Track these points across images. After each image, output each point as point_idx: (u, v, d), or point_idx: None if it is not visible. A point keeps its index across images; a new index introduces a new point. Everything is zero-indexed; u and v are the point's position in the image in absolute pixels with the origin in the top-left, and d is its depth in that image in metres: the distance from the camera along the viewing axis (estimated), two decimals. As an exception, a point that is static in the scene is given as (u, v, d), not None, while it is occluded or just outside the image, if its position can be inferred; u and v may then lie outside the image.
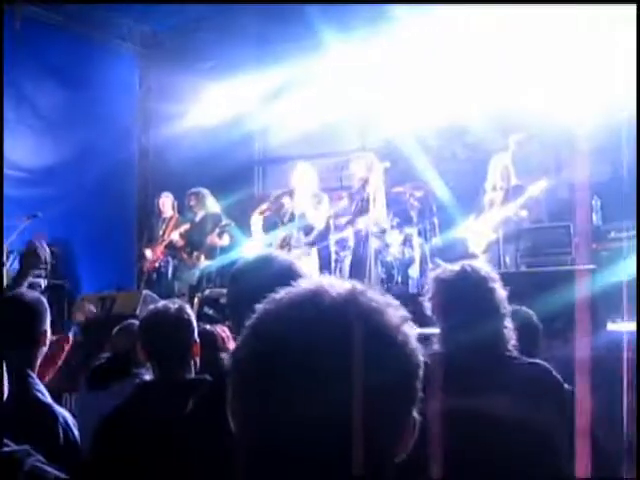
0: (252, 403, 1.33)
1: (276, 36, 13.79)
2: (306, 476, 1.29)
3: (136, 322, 5.04)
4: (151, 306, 4.15)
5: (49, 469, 2.19)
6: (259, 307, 1.43)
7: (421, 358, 1.38)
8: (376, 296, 1.39)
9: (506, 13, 12.09)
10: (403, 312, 1.39)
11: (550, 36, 12.27)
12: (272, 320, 1.37)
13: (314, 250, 10.57)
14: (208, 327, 4.86)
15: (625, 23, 10.85)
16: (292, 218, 10.67)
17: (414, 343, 1.38)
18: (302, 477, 1.29)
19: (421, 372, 1.37)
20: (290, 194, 10.81)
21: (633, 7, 8.07)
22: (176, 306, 3.94)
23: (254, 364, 1.34)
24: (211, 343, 4.61)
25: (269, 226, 11.66)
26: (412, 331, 1.38)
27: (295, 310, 1.35)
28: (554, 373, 3.56)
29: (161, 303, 3.96)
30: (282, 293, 1.42)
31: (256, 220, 10.97)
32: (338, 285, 1.40)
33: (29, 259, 4.09)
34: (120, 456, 3.48)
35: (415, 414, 1.37)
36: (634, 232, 9.19)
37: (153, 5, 13.34)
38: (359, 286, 1.41)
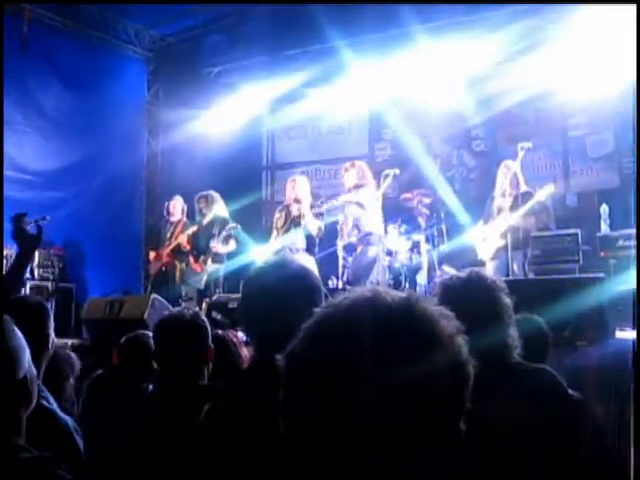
0: (306, 403, 1.35)
1: (285, 42, 13.78)
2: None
3: (147, 333, 5.02)
4: (166, 312, 4.15)
5: (69, 476, 2.20)
6: (317, 311, 1.44)
7: (471, 370, 1.39)
8: (430, 306, 1.40)
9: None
10: (456, 323, 1.40)
11: (559, 44, 12.32)
12: (330, 324, 1.39)
13: (310, 257, 10.55)
14: (220, 332, 4.85)
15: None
16: (293, 226, 10.67)
17: (466, 354, 1.39)
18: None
19: (471, 383, 1.38)
20: (298, 201, 10.81)
21: (633, 7, 8.08)
22: (191, 312, 3.94)
23: (310, 361, 1.36)
24: (223, 348, 4.60)
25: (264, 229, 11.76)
26: (464, 342, 1.39)
27: (352, 315, 1.37)
28: (558, 379, 3.56)
29: (176, 309, 3.96)
30: (340, 298, 1.43)
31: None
32: (394, 293, 1.41)
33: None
34: (142, 466, 3.48)
35: (462, 425, 1.38)
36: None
37: (162, 10, 13.34)
38: (414, 295, 1.42)
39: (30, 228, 4.06)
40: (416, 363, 1.30)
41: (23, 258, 4.05)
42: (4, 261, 7.60)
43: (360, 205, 10.57)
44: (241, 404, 2.71)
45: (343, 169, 11.13)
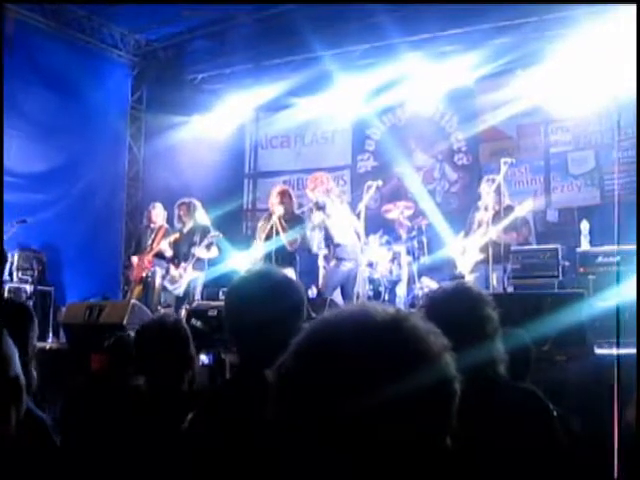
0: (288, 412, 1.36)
1: (270, 51, 13.80)
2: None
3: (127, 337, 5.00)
4: (145, 318, 4.14)
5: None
6: (305, 326, 1.44)
7: (458, 386, 1.39)
8: (419, 322, 1.40)
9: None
10: (444, 340, 1.40)
11: (543, 62, 12.41)
12: (319, 340, 1.39)
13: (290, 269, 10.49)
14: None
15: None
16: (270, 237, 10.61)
17: (453, 371, 1.39)
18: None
19: (457, 400, 1.38)
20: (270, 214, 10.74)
21: (633, 7, 8.14)
22: (172, 318, 3.94)
23: (299, 377, 1.36)
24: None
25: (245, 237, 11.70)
26: (452, 360, 1.39)
27: (342, 332, 1.37)
28: (541, 397, 3.56)
29: (157, 315, 3.95)
30: (330, 313, 1.44)
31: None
32: (383, 310, 1.41)
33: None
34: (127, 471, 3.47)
35: (448, 440, 1.38)
36: (620, 258, 9.24)
37: (147, 15, 13.31)
38: (403, 312, 1.42)
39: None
40: (404, 380, 1.31)
41: None
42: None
43: (326, 214, 10.51)
44: (226, 415, 2.71)
45: (307, 182, 11.06)
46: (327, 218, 10.46)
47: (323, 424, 1.31)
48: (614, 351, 6.94)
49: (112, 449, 3.64)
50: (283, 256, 10.21)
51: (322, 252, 10.85)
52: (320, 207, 10.49)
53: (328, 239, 10.59)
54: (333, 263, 10.58)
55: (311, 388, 1.34)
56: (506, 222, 10.14)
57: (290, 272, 9.89)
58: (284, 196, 10.63)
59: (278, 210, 10.42)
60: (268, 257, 10.23)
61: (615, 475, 4.67)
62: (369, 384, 1.30)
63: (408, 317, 1.41)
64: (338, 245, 10.47)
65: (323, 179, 10.76)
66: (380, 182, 11.02)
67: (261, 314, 2.76)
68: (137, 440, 3.49)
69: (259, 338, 2.74)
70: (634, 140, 11.39)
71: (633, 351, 6.49)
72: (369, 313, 1.40)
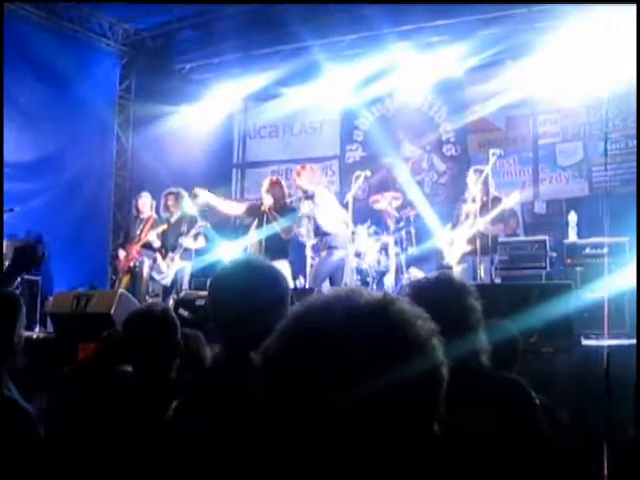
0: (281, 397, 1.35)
1: (258, 41, 13.78)
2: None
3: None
4: (133, 307, 4.13)
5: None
6: (292, 309, 1.44)
7: (445, 371, 1.38)
8: (406, 307, 1.39)
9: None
10: (432, 324, 1.40)
11: (533, 53, 12.42)
12: (304, 324, 1.38)
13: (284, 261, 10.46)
14: (188, 330, 4.83)
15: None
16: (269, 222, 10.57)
17: (441, 356, 1.38)
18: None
19: (445, 385, 1.37)
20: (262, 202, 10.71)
21: (633, 7, 8.15)
22: (160, 307, 3.94)
23: (285, 362, 1.35)
24: (192, 345, 4.59)
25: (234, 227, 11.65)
26: (440, 344, 1.38)
27: (327, 315, 1.36)
28: (524, 387, 3.57)
29: (145, 304, 3.96)
30: (315, 298, 1.43)
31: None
32: (369, 294, 1.40)
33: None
34: (113, 460, 3.46)
35: (436, 427, 1.37)
36: (607, 249, 9.27)
37: (136, 4, 13.26)
38: (390, 296, 1.41)
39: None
40: (391, 364, 1.29)
41: (16, 272, 4.10)
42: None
43: (314, 204, 10.50)
44: (212, 401, 2.71)
45: (295, 172, 10.93)
46: (316, 207, 10.45)
47: (307, 410, 1.30)
48: (603, 342, 6.99)
49: (100, 438, 3.63)
50: (274, 246, 10.18)
51: (310, 242, 10.85)
52: (309, 196, 10.49)
53: (317, 229, 10.58)
54: (324, 253, 10.58)
55: (296, 372, 1.33)
56: (494, 214, 10.15)
57: (283, 263, 9.90)
58: (274, 186, 10.59)
59: (268, 200, 10.38)
60: (258, 246, 10.21)
61: (605, 466, 4.70)
62: (355, 368, 1.29)
63: (395, 301, 1.40)
64: (328, 234, 10.47)
65: (311, 168, 10.76)
66: (368, 172, 11.03)
67: (245, 303, 2.77)
68: (125, 429, 3.49)
69: (243, 327, 2.75)
70: (623, 132, 11.44)
71: (621, 342, 6.53)
72: (356, 297, 1.39)
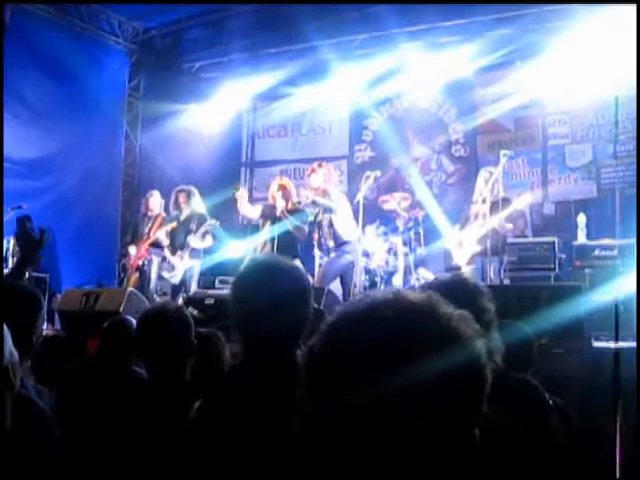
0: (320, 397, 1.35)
1: (267, 40, 13.78)
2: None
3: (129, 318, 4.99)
4: (143, 305, 4.13)
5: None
6: (338, 309, 1.43)
7: (488, 374, 1.37)
8: (450, 308, 1.39)
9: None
10: (476, 326, 1.40)
11: (542, 54, 12.40)
12: (352, 321, 1.38)
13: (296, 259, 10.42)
14: (204, 330, 4.83)
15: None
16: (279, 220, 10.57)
17: (485, 357, 1.37)
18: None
19: (487, 388, 1.37)
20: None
21: (633, 7, 8.14)
22: (174, 306, 3.93)
23: (333, 360, 1.35)
24: (209, 346, 4.59)
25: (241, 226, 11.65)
26: (483, 346, 1.38)
27: (375, 313, 1.36)
28: (538, 388, 3.57)
29: (159, 302, 3.95)
30: (360, 297, 1.43)
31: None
32: (415, 294, 1.41)
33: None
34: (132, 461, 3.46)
35: (477, 431, 1.36)
36: (617, 251, 9.26)
37: (145, 2, 13.28)
38: (435, 296, 1.41)
39: (33, 228, 4.04)
40: (439, 361, 1.29)
41: (24, 263, 4.05)
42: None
43: (329, 210, 10.49)
44: (238, 400, 2.71)
45: (310, 169, 10.91)
46: (333, 214, 10.42)
47: (354, 406, 1.30)
48: (612, 344, 6.98)
49: (114, 440, 3.62)
50: (286, 245, 10.18)
51: (330, 243, 10.80)
52: (326, 209, 10.45)
53: (336, 238, 10.51)
54: (334, 254, 10.56)
55: (344, 368, 1.32)
56: (504, 214, 10.14)
57: (296, 262, 9.90)
58: (284, 189, 10.59)
59: (280, 203, 10.39)
60: (270, 245, 10.20)
61: (617, 467, 4.69)
62: (402, 364, 1.29)
63: (440, 301, 1.40)
64: (346, 242, 10.42)
65: (328, 169, 10.75)
66: (379, 173, 11.02)
67: (268, 302, 2.79)
68: (141, 431, 3.47)
69: (266, 325, 2.76)
70: (632, 134, 11.42)
71: (631, 344, 6.51)
72: (402, 295, 1.39)
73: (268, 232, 10.36)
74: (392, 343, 1.31)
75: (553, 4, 11.73)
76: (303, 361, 1.41)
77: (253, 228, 11.36)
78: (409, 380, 1.27)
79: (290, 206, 10.42)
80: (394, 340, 1.31)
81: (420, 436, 1.29)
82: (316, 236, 10.76)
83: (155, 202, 12.28)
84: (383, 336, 1.32)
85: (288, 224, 10.19)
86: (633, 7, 10.40)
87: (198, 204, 11.53)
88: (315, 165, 10.85)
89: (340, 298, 9.72)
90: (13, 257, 11.61)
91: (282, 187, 10.59)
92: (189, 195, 11.58)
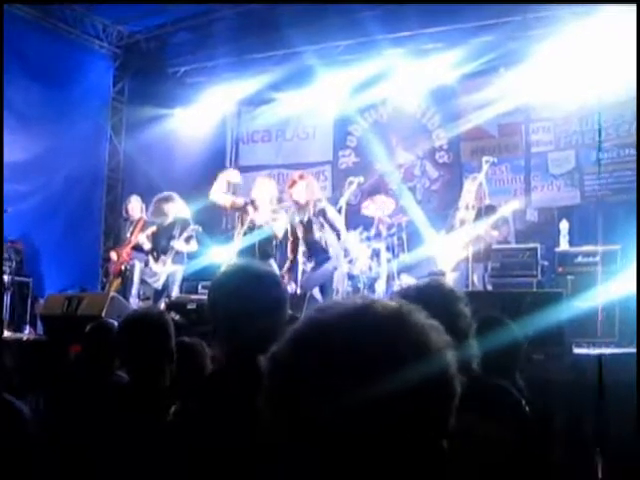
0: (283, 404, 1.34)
1: (252, 45, 13.79)
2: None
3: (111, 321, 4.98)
4: (125, 310, 4.12)
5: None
6: (306, 314, 1.42)
7: (458, 386, 1.36)
8: (422, 317, 1.39)
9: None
10: (446, 337, 1.39)
11: (525, 61, 12.46)
12: (318, 329, 1.36)
13: (272, 262, 10.39)
14: (186, 339, 4.83)
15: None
16: (252, 228, 10.53)
17: (454, 369, 1.36)
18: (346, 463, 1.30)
19: (456, 400, 1.36)
20: (253, 204, 10.66)
21: (633, 7, 8.19)
22: (157, 310, 3.93)
23: (291, 367, 1.34)
24: (191, 354, 4.59)
25: (225, 232, 11.60)
26: (453, 357, 1.37)
27: (342, 322, 1.34)
28: (513, 393, 3.58)
29: (141, 308, 3.94)
30: (329, 304, 1.41)
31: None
32: (385, 303, 1.39)
33: None
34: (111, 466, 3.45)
35: (445, 443, 1.35)
36: (600, 258, 9.30)
37: (130, 6, 13.26)
38: (406, 306, 1.40)
39: None
40: (403, 373, 1.27)
41: None
42: None
43: (335, 230, 10.33)
44: (215, 404, 2.71)
45: (290, 181, 10.54)
46: (322, 230, 10.26)
47: (316, 415, 1.29)
48: (593, 351, 7.02)
49: (97, 443, 3.61)
50: (265, 250, 10.19)
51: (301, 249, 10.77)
52: (319, 212, 10.29)
53: (319, 250, 10.38)
54: (313, 263, 10.47)
55: (306, 376, 1.31)
56: (489, 221, 10.17)
57: (271, 262, 9.91)
58: (268, 188, 10.61)
59: (266, 202, 10.39)
60: (250, 250, 10.18)
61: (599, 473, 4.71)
62: (367, 375, 1.27)
63: (411, 311, 1.39)
64: (322, 250, 10.30)
65: (309, 182, 10.52)
66: (362, 178, 11.03)
67: (244, 307, 2.81)
68: (122, 435, 3.47)
69: (242, 331, 2.77)
70: (616, 141, 11.49)
71: (613, 351, 6.55)
72: (371, 305, 1.38)
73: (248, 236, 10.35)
74: (358, 354, 1.29)
75: (542, 3, 11.76)
76: (266, 368, 1.41)
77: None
78: (374, 391, 1.26)
79: (266, 213, 10.41)
80: (360, 351, 1.30)
81: (383, 449, 1.28)
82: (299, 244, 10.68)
83: (134, 207, 12.25)
84: (349, 346, 1.30)
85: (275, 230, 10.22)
86: (619, 14, 10.51)
87: (181, 208, 11.49)
88: (296, 176, 10.61)
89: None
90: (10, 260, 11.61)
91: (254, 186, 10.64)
92: (168, 200, 11.47)
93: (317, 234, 10.20)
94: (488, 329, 3.34)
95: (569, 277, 9.67)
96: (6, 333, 9.81)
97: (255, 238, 10.28)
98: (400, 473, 1.30)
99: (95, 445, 3.58)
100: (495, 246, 10.29)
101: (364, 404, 1.27)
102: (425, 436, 1.32)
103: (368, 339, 1.31)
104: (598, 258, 9.35)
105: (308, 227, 10.25)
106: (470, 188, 10.44)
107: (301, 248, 10.75)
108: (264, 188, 10.65)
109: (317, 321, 1.38)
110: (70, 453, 3.79)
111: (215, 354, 3.38)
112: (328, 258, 10.21)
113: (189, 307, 8.80)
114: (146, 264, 11.66)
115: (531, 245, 10.27)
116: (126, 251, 12.04)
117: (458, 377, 1.37)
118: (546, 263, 10.19)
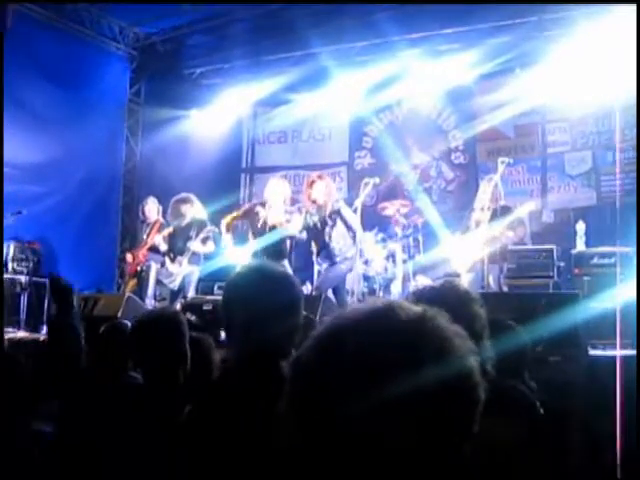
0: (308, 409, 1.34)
1: (268, 47, 13.80)
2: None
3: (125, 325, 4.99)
4: (141, 310, 4.12)
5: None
6: (327, 319, 1.42)
7: (482, 393, 1.36)
8: (445, 323, 1.38)
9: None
10: (470, 344, 1.38)
11: (542, 62, 12.41)
12: (340, 334, 1.36)
13: (286, 262, 10.39)
14: (195, 334, 4.83)
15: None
16: (264, 229, 10.53)
17: (477, 376, 1.36)
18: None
19: (481, 406, 1.36)
20: (263, 205, 10.68)
21: (633, 7, 8.15)
22: (171, 311, 3.93)
23: (320, 375, 1.33)
24: (201, 351, 4.58)
25: (240, 233, 11.61)
26: (476, 364, 1.36)
27: (364, 327, 1.34)
28: (528, 395, 3.57)
29: (155, 308, 3.95)
30: (352, 309, 1.41)
31: (227, 225, 10.84)
32: (408, 308, 1.39)
33: None
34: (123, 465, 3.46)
35: (466, 447, 1.34)
36: (616, 259, 9.26)
37: (146, 8, 13.29)
38: (430, 311, 1.40)
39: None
40: (425, 379, 1.27)
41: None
42: None
43: (350, 229, 10.32)
44: (227, 405, 2.71)
45: (309, 180, 10.65)
46: (334, 229, 10.27)
47: (339, 420, 1.29)
48: (608, 352, 6.98)
49: (110, 444, 3.62)
50: (279, 250, 10.19)
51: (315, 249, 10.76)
52: (333, 213, 10.28)
53: (330, 250, 10.38)
54: (327, 264, 10.46)
55: (330, 381, 1.31)
56: (504, 222, 10.13)
57: (285, 262, 9.93)
58: (281, 189, 10.63)
59: (279, 203, 10.40)
60: (264, 251, 10.19)
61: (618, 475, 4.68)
62: (389, 379, 1.27)
63: (435, 317, 1.38)
64: (335, 251, 10.30)
65: (327, 183, 10.52)
66: (377, 179, 11.00)
67: (258, 309, 2.80)
68: (137, 437, 3.48)
69: (256, 332, 2.77)
70: (632, 142, 11.42)
71: (629, 353, 6.51)
72: (394, 310, 1.37)
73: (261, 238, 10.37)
74: (380, 359, 1.29)
75: (554, 3, 11.72)
76: (289, 373, 1.40)
77: (242, 233, 11.39)
78: (397, 398, 1.26)
79: (280, 213, 10.42)
80: (383, 355, 1.29)
81: (405, 454, 1.27)
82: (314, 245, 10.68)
83: (151, 209, 12.28)
84: (371, 351, 1.30)
85: (292, 230, 10.22)
86: (632, 14, 10.45)
87: (198, 210, 11.50)
88: (315, 176, 10.71)
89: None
90: (13, 262, 11.64)
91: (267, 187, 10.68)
92: (186, 202, 11.49)
93: (333, 234, 10.22)
94: (493, 331, 3.31)
95: (585, 278, 9.63)
96: (23, 333, 9.87)
97: (269, 239, 10.28)
98: (421, 477, 1.30)
99: (109, 446, 3.59)
100: (511, 247, 10.24)
101: (387, 408, 1.27)
102: (449, 441, 1.32)
103: (390, 344, 1.31)
104: (614, 259, 9.31)
105: (324, 227, 10.26)
106: (486, 189, 10.40)
107: (316, 249, 10.76)
108: (277, 189, 10.65)
109: (338, 327, 1.38)
110: (84, 453, 3.80)
111: (227, 354, 3.37)
112: (344, 259, 10.20)
113: (205, 308, 8.80)
114: (162, 265, 11.68)
115: (547, 246, 10.23)
116: (142, 252, 12.07)
117: (482, 384, 1.36)
118: (562, 264, 10.14)
